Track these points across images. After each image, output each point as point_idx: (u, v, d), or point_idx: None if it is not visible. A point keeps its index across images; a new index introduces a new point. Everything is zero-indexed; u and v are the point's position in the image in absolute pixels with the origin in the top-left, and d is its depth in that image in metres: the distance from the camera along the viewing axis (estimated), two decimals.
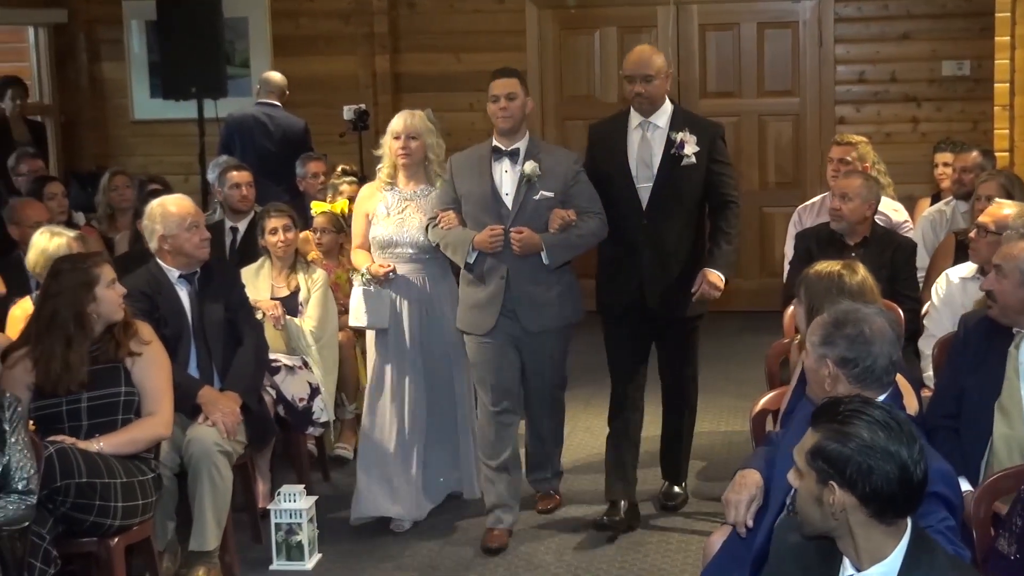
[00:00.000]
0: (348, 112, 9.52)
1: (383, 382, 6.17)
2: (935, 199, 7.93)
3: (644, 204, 5.90)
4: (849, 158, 7.00)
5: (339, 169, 8.49)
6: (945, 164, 8.05)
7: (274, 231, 6.73)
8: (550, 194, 5.71)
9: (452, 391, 6.29)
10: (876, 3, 10.21)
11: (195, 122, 9.60)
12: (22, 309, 5.62)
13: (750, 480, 3.62)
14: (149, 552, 5.07)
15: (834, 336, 3.35)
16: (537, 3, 10.51)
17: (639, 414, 6.22)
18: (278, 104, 9.33)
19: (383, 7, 10.59)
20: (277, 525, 5.67)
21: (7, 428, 4.20)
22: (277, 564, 5.70)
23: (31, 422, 4.76)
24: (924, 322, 5.61)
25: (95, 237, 7.35)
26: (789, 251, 6.89)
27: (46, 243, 5.87)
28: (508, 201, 5.78)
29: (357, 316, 6.09)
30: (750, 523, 3.52)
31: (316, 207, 7.42)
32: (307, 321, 6.73)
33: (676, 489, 6.40)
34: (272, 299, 6.72)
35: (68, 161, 10.82)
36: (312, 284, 6.87)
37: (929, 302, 5.66)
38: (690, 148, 5.78)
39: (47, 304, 4.93)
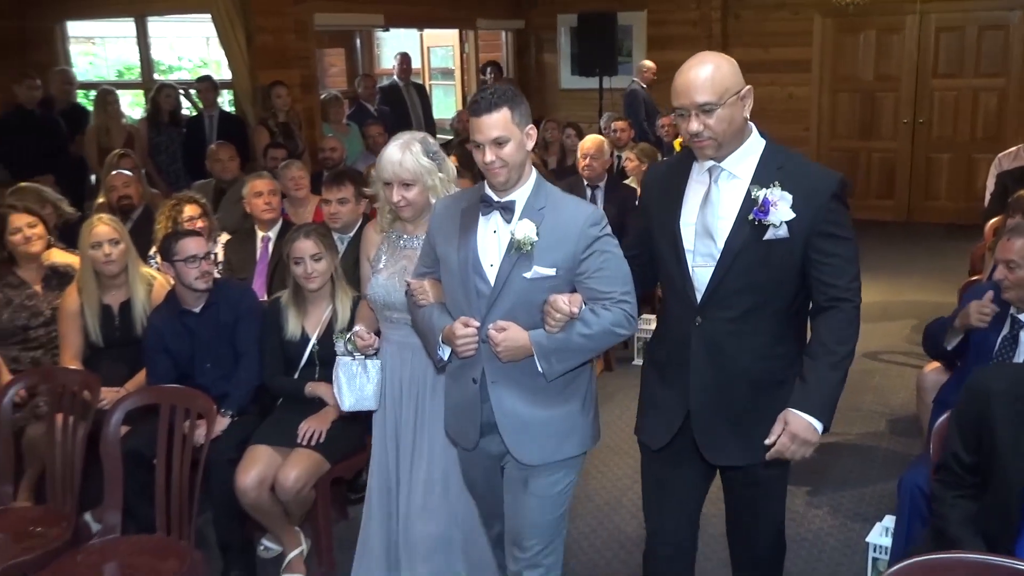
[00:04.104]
0: None
1: (378, 476, 3.13)
2: None
3: (699, 295, 2.45)
4: None
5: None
6: None
7: None
8: (549, 271, 2.46)
9: (447, 497, 3.00)
10: None
11: (596, 91, 9.65)
12: None
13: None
14: None
15: None
16: (821, 13, 9.85)
17: None
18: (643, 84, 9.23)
19: (718, 17, 10.20)
20: None
21: None
22: None
23: None
24: None
25: (537, 160, 7.56)
26: (990, 185, 6.39)
27: None
28: (491, 276, 2.50)
29: (337, 395, 3.05)
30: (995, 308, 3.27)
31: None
32: None
33: None
34: None
35: None
36: None
37: None
38: (780, 213, 2.35)
39: None
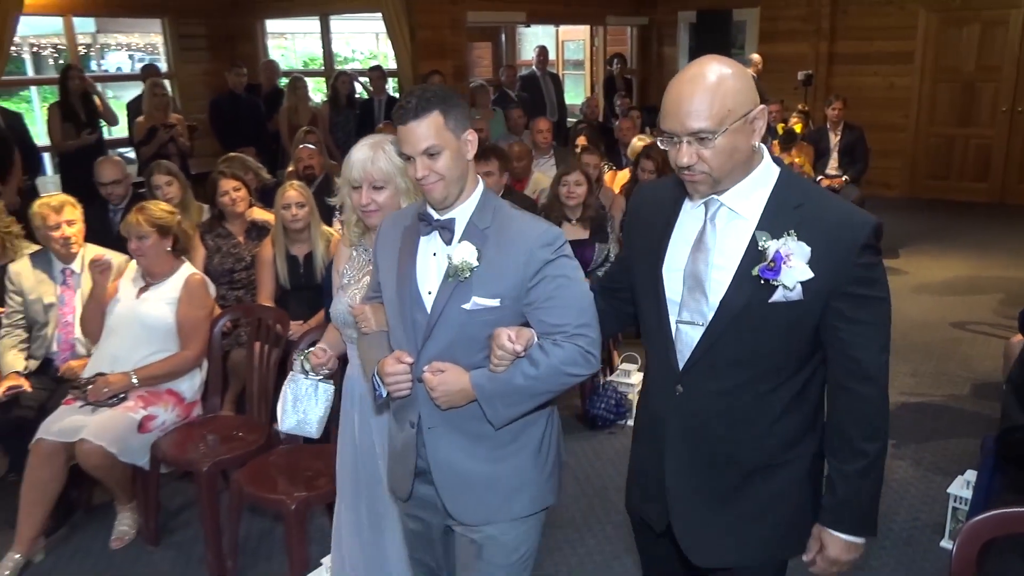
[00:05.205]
0: (800, 75, 9.04)
1: (345, 512, 2.45)
2: None
3: (681, 360, 1.66)
4: None
5: (799, 106, 8.09)
6: None
7: None
8: (491, 302, 1.77)
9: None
10: None
11: None
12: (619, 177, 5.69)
13: None
14: None
15: None
16: (925, 8, 9.14)
17: None
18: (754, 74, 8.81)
19: (826, 12, 9.59)
20: None
21: None
22: None
23: None
24: None
25: (655, 142, 7.37)
26: None
27: (636, 142, 5.99)
28: (428, 305, 1.82)
29: (279, 413, 2.47)
30: None
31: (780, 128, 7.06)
32: None
33: None
34: None
35: (643, 99, 10.84)
36: None
37: None
38: (794, 272, 1.53)
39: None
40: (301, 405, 2.43)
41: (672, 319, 1.68)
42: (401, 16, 7.51)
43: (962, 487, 3.14)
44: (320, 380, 2.40)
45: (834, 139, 7.39)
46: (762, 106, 1.57)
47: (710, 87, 1.52)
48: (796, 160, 6.82)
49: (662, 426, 1.72)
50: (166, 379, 3.28)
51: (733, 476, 1.69)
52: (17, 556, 3.07)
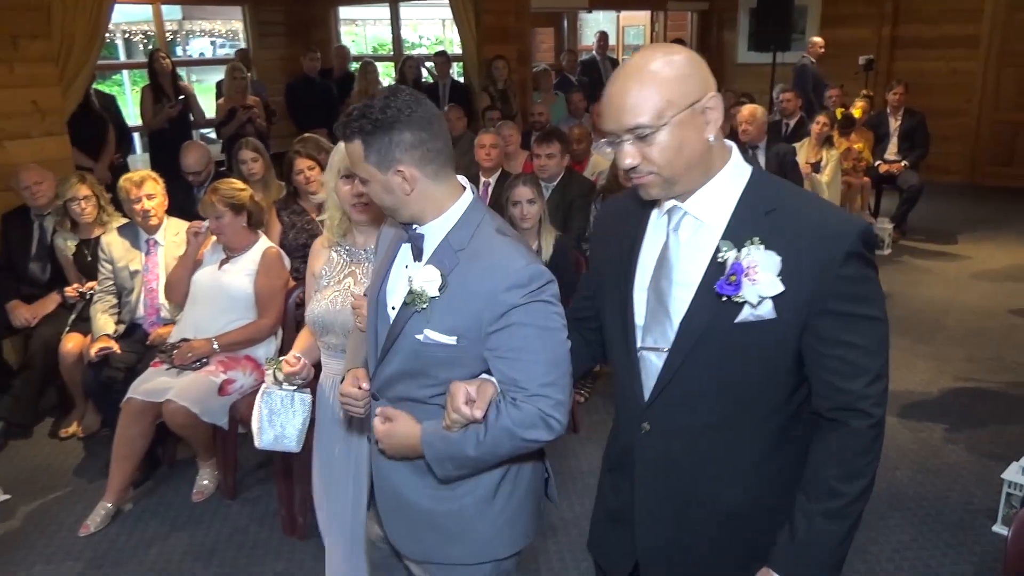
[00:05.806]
0: (862, 60, 8.69)
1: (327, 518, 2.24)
2: None
3: (647, 391, 1.39)
4: None
5: (863, 91, 7.82)
6: None
7: None
8: (447, 339, 1.44)
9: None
10: None
11: (770, 65, 8.93)
12: None
13: None
14: None
15: None
16: None
17: None
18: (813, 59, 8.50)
19: None
20: None
21: None
22: None
23: None
24: None
25: None
26: None
27: None
28: (391, 320, 1.54)
29: (254, 430, 2.27)
30: None
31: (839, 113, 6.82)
32: None
33: None
34: None
35: None
36: None
37: None
38: (759, 286, 1.25)
39: None
40: (278, 419, 2.21)
41: (639, 343, 1.41)
42: (467, 3, 7.47)
43: (1017, 473, 3.02)
44: (295, 390, 2.17)
45: (894, 124, 7.13)
46: (713, 94, 1.31)
47: (645, 78, 1.28)
48: (855, 146, 6.60)
49: (629, 469, 1.47)
50: (244, 345, 3.36)
51: (719, 528, 1.42)
52: (108, 505, 3.22)
